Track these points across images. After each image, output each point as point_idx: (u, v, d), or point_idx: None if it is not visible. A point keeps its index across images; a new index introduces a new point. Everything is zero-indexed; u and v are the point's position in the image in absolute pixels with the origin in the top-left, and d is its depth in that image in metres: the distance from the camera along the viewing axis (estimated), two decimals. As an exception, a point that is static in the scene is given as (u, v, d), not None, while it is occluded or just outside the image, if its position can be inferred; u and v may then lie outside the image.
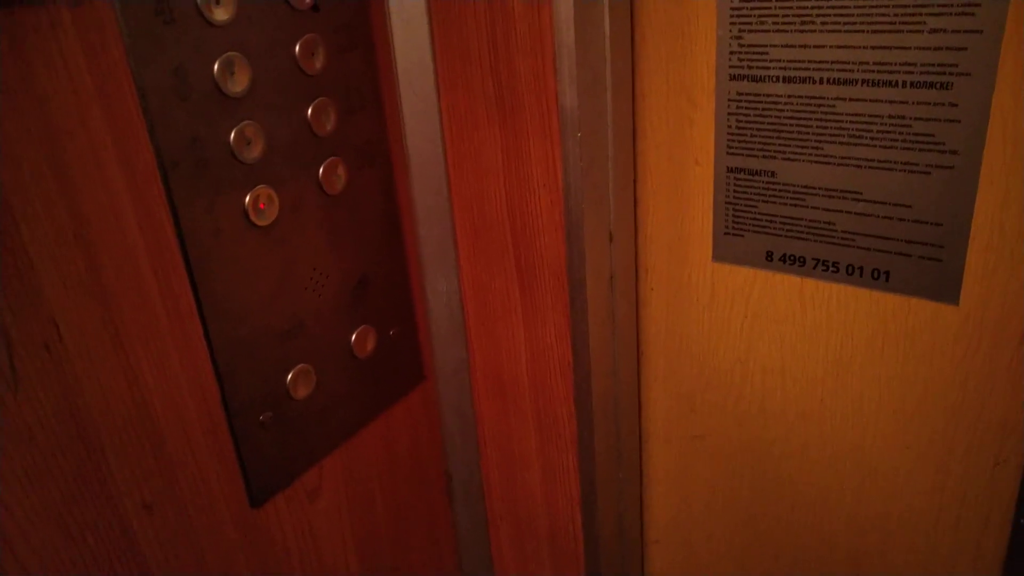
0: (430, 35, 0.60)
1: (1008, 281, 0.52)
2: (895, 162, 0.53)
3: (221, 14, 0.46)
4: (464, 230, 0.67)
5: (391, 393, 0.66)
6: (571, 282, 0.62)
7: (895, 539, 0.63)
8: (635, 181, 0.65)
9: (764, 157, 0.59)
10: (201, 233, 0.48)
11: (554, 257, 0.62)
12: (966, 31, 0.48)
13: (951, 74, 0.49)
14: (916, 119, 0.52)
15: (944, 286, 0.54)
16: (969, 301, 0.54)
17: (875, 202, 0.55)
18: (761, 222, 0.60)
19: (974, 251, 0.52)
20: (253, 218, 0.51)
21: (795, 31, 0.54)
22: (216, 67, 0.47)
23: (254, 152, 0.50)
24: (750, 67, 0.57)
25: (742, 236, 0.62)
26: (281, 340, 0.55)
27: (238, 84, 0.48)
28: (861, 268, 0.57)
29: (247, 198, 0.50)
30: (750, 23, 0.56)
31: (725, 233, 0.63)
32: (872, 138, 0.54)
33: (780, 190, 0.59)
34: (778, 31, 0.55)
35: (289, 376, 0.56)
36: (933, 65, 0.50)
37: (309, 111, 0.54)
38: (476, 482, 0.75)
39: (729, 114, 0.59)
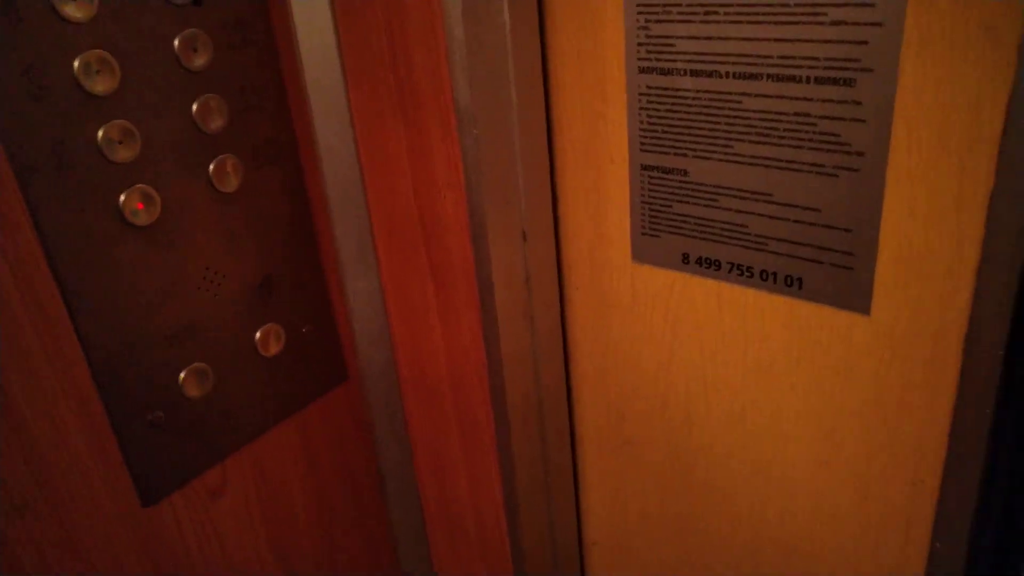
0: (335, 29, 0.58)
1: (920, 295, 0.48)
2: (803, 163, 0.50)
3: (77, 11, 0.45)
4: (381, 228, 0.65)
5: (307, 392, 0.66)
6: (480, 282, 0.60)
7: (820, 561, 0.60)
8: (553, 178, 0.62)
9: (676, 155, 0.56)
10: (69, 237, 0.48)
11: (462, 257, 0.60)
12: (866, 23, 0.44)
13: (854, 70, 0.46)
14: (821, 117, 0.48)
15: (855, 295, 0.51)
16: (881, 312, 0.50)
17: (785, 205, 0.52)
18: (676, 223, 0.57)
19: (884, 260, 0.49)
20: (130, 219, 0.50)
21: (699, 21, 0.51)
22: (76, 66, 0.46)
23: (128, 152, 0.49)
24: (658, 59, 0.54)
25: (659, 237, 0.59)
26: (170, 341, 0.55)
27: (104, 83, 0.47)
28: (775, 274, 0.54)
29: (121, 199, 0.50)
30: (656, 12, 0.53)
31: (643, 233, 0.60)
32: (779, 137, 0.50)
33: (693, 190, 0.56)
34: (683, 21, 0.52)
35: (182, 376, 0.56)
36: (836, 60, 0.46)
37: (194, 108, 0.53)
38: (410, 483, 0.74)
39: (640, 109, 0.56)
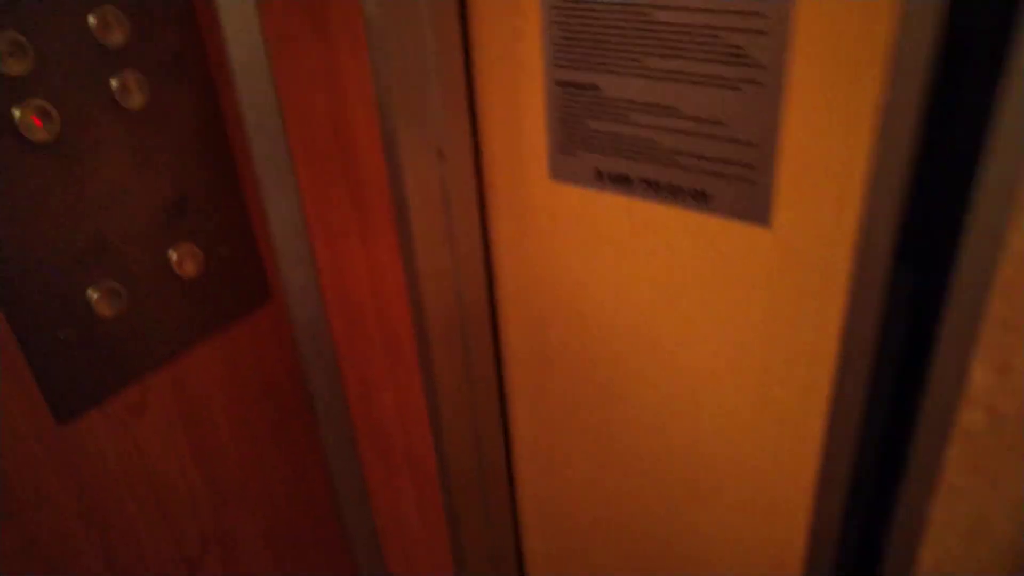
0: (240, -65, 0.57)
1: (816, 205, 0.50)
2: (708, 76, 0.51)
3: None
4: (298, 147, 0.64)
5: (228, 313, 0.66)
6: (396, 200, 0.60)
7: (724, 464, 0.63)
8: (472, 96, 0.62)
9: (588, 70, 0.56)
10: (-39, 151, 0.46)
11: (377, 176, 0.60)
12: (766, -67, 0.45)
13: (754, -21, 0.46)
14: (725, 29, 0.49)
15: (756, 208, 0.52)
16: (780, 224, 0.52)
17: (692, 119, 0.53)
18: (589, 139, 0.58)
19: (783, 173, 0.50)
20: (26, 134, 0.49)
21: (608, -70, 0.51)
22: (-43, -28, 0.44)
23: (20, 65, 0.48)
24: (569, -29, 0.54)
25: (574, 154, 0.59)
26: (79, 259, 0.54)
27: (-12, -9, 0.45)
28: (683, 189, 0.55)
29: (16, 113, 0.48)
30: (567, -77, 0.52)
31: (559, 151, 0.60)
32: (687, 50, 0.51)
33: (605, 105, 0.56)
34: (592, -70, 0.51)
35: (93, 295, 0.55)
36: (738, -30, 0.47)
37: (91, 20, 0.51)
38: (339, 402, 0.75)
39: (554, 23, 0.56)
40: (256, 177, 0.64)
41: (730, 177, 0.52)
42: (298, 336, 0.71)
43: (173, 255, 0.60)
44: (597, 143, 0.57)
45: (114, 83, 0.53)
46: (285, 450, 0.74)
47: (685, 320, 0.59)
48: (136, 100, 0.55)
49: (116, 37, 0.52)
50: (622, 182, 0.58)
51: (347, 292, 0.69)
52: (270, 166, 0.64)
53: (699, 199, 0.55)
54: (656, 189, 0.56)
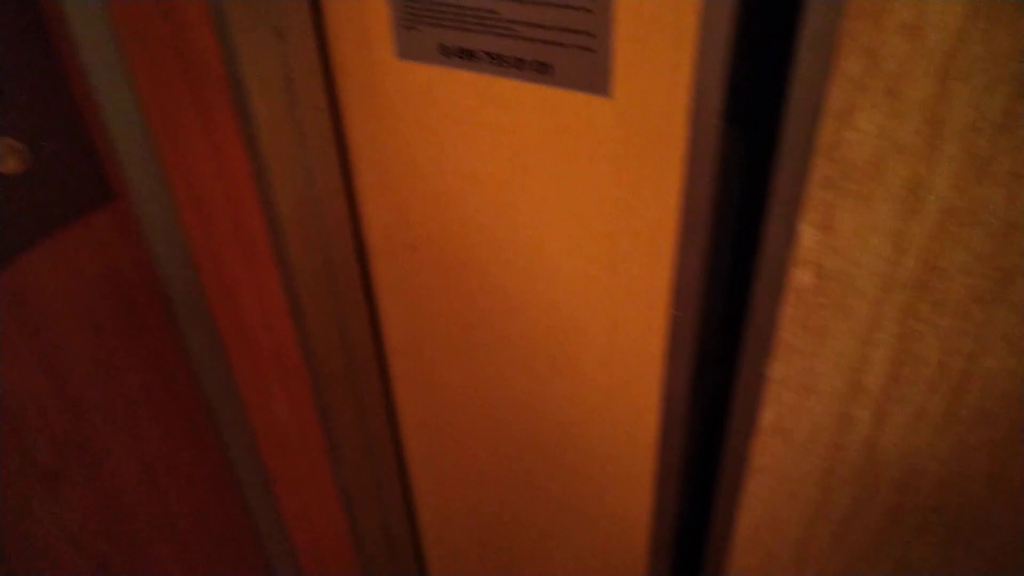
0: None
1: (652, 72, 0.50)
2: (542, -61, 0.49)
3: None
4: (124, 30, 0.60)
5: (64, 212, 0.62)
6: (232, 84, 0.57)
7: (584, 339, 0.65)
8: (308, -31, 0.58)
9: (424, -63, 0.53)
10: None
11: (210, 56, 0.56)
12: None
13: None
14: None
15: (597, 78, 0.52)
16: (620, 94, 0.52)
17: (530, -14, 0.51)
18: (432, 13, 0.56)
19: (620, 39, 0.50)
20: None
21: None
22: None
23: None
24: None
25: (418, 30, 0.57)
26: None
27: None
28: (526, 61, 0.54)
29: None
30: None
31: (403, 27, 0.58)
32: (520, -89, 0.49)
33: (444, -25, 0.54)
34: None
35: None
36: None
37: None
38: (201, 303, 0.73)
39: None
40: (80, 64, 0.60)
41: (570, 47, 0.52)
42: (149, 236, 0.68)
43: (-13, 149, 0.55)
44: (439, 17, 0.55)
45: None
46: (145, 357, 0.72)
47: (537, 195, 0.59)
48: (-83, -29, 0.49)
49: None
50: (466, 57, 0.56)
51: (196, 187, 0.66)
52: (95, 52, 0.60)
53: (542, 71, 0.54)
54: (500, 63, 0.55)
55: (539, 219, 0.60)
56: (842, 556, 0.64)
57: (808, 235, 0.51)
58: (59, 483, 0.67)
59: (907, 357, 0.52)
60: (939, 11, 0.40)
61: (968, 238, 0.46)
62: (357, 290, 0.71)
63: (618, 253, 0.58)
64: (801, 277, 0.53)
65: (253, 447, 0.77)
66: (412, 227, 0.68)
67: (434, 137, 0.61)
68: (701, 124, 0.49)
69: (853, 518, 0.61)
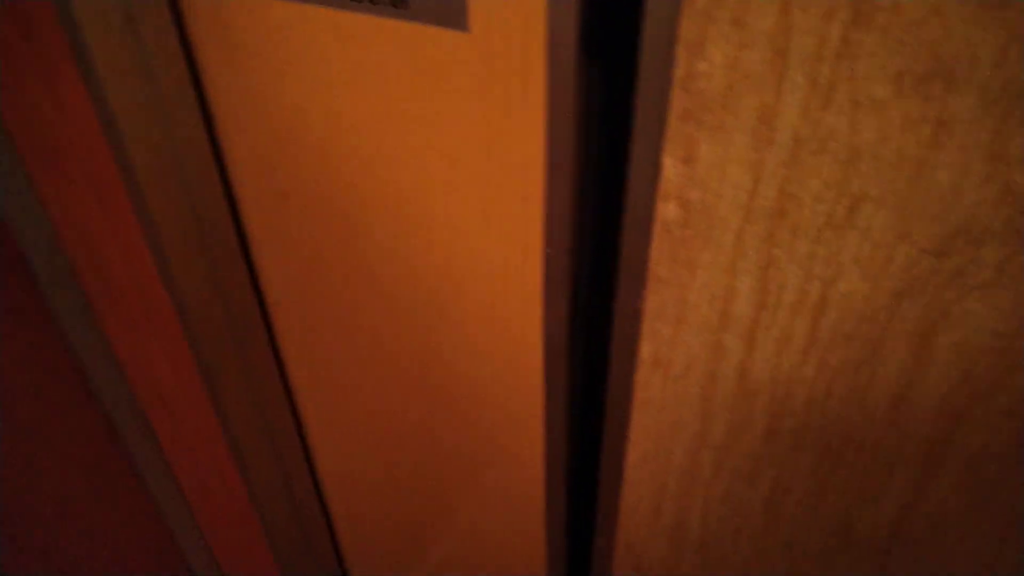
0: None
1: (510, 6, 0.48)
2: None
3: None
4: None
5: None
6: (66, 27, 0.52)
7: (465, 284, 0.64)
8: None
9: None
10: None
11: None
12: None
13: None
14: None
15: (453, 12, 0.50)
16: (479, 29, 0.50)
17: (377, -87, 0.49)
18: (279, -56, 0.53)
19: (472, -31, 0.48)
20: None
21: None
22: None
23: None
24: None
25: (267, -38, 0.54)
26: None
27: None
28: (381, -5, 0.52)
29: None
30: None
31: (251, -40, 0.54)
32: None
33: (288, -98, 0.51)
34: None
35: None
36: None
37: None
38: (63, 264, 0.69)
39: None
40: None
41: (423, -22, 0.50)
42: (-4, 195, 0.64)
43: None
44: (287, -53, 0.52)
45: None
46: (10, 323, 0.68)
47: (403, 136, 0.58)
48: None
49: None
50: (319, -9, 0.53)
51: (39, 134, 0.61)
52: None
53: (397, 4, 0.52)
54: (354, -3, 0.53)
55: (407, 161, 0.58)
56: (724, 480, 0.66)
57: (671, 168, 0.51)
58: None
59: (770, 284, 0.53)
60: (776, -66, 0.39)
61: (819, 166, 0.46)
62: (231, 242, 0.69)
63: (490, 193, 0.57)
64: (667, 210, 0.53)
65: (137, 409, 0.75)
66: (281, 174, 0.65)
67: (295, 78, 0.58)
68: (558, 58, 0.48)
69: (732, 443, 0.63)
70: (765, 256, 0.52)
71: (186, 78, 0.60)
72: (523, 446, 0.73)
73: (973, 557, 0.60)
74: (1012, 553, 0.58)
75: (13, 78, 0.58)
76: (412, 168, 0.59)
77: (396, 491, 0.88)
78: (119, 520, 0.82)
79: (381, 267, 0.67)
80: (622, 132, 0.52)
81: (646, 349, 0.61)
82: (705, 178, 0.50)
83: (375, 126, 0.58)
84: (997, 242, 0.44)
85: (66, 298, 0.69)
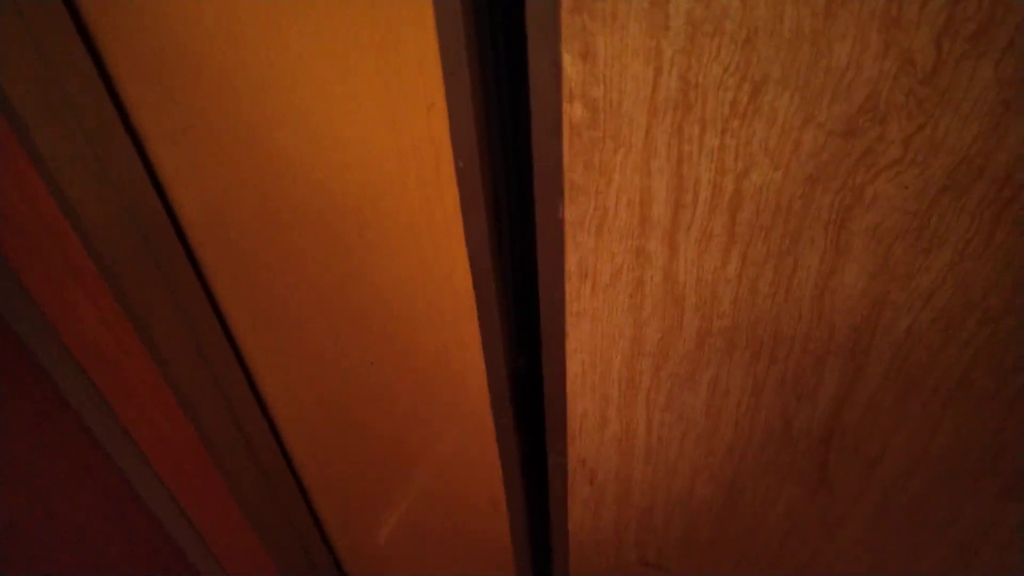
0: None
1: None
2: None
3: None
4: None
5: None
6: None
7: (383, 198, 0.62)
8: None
9: None
10: None
11: None
12: None
13: None
14: None
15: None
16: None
17: None
18: None
19: None
20: None
21: None
22: None
23: None
24: None
25: None
26: None
27: None
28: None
29: None
30: None
31: None
32: None
33: None
34: None
35: None
36: None
37: None
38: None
39: None
40: None
41: None
42: None
43: None
44: None
45: None
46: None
47: (296, 55, 0.55)
48: None
49: None
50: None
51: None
52: None
53: (267, -91, 0.48)
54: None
55: (306, 76, 0.56)
56: (664, 386, 0.66)
57: (571, 65, 0.48)
58: None
59: (684, 182, 0.51)
60: None
61: (717, 49, 0.44)
62: (141, 178, 0.66)
63: (392, 104, 0.54)
64: (573, 112, 0.51)
65: (70, 360, 0.73)
66: (179, 106, 0.62)
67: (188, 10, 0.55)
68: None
69: (667, 348, 0.63)
70: (676, 152, 0.50)
71: (63, 14, 0.57)
72: (465, 366, 0.72)
73: (908, 442, 0.60)
74: (945, 435, 0.58)
75: None
76: (312, 83, 0.56)
77: (348, 422, 0.88)
78: (65, 466, 0.81)
79: (302, 194, 0.65)
80: (518, 31, 0.49)
81: (572, 260, 0.60)
82: (606, 73, 0.48)
83: (268, 40, 0.55)
84: (902, 116, 0.43)
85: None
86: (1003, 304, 0.48)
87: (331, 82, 0.55)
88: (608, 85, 0.48)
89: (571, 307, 0.63)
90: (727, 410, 0.66)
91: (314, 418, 0.89)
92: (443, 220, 0.60)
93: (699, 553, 0.83)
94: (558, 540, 0.91)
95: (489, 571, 1.03)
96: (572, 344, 0.66)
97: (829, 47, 0.42)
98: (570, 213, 0.57)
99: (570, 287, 0.62)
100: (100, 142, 0.62)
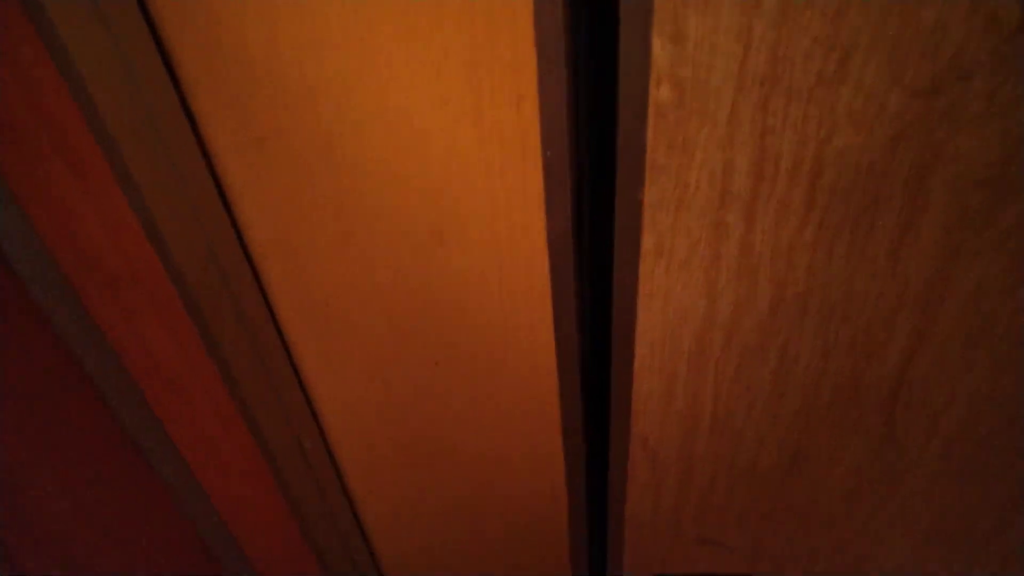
0: None
1: None
2: None
3: None
4: None
5: None
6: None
7: (466, 202, 0.64)
8: None
9: None
10: None
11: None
12: None
13: None
14: None
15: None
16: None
17: None
18: None
19: None
20: None
21: None
22: None
23: None
24: None
25: None
26: None
27: None
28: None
29: None
30: None
31: None
32: None
33: None
34: None
35: None
36: None
37: None
38: (30, 234, 0.65)
39: None
40: None
41: None
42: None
43: None
44: None
45: None
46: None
47: (386, 52, 0.56)
48: None
49: None
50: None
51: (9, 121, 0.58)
52: None
53: (365, -86, 0.50)
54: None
55: (392, 78, 0.57)
56: (733, 358, 0.69)
57: (660, 47, 0.51)
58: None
59: (767, 154, 0.54)
60: None
61: (807, 22, 0.47)
62: (211, 191, 0.67)
63: (483, 100, 0.56)
64: (660, 94, 0.53)
65: (133, 386, 0.73)
66: (255, 116, 0.63)
67: (259, 13, 0.56)
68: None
69: (738, 320, 0.66)
70: (760, 125, 0.53)
71: (138, 18, 0.57)
72: (537, 349, 0.74)
73: (973, 390, 0.64)
74: (1008, 380, 0.62)
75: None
76: (398, 84, 0.58)
77: (407, 421, 0.88)
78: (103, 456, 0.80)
79: (374, 198, 0.66)
80: (610, 16, 0.52)
81: (648, 240, 0.62)
82: (695, 53, 0.51)
83: (342, 47, 0.57)
84: (986, 72, 0.46)
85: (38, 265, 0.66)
86: (1076, 244, 0.52)
87: (419, 80, 0.57)
88: (697, 64, 0.51)
89: (644, 287, 0.66)
90: (795, 376, 0.68)
91: (368, 420, 0.90)
92: (523, 210, 0.62)
93: (757, 524, 0.86)
94: (614, 528, 0.93)
95: (544, 570, 1.04)
96: (642, 324, 0.68)
97: (917, 11, 0.45)
98: (650, 195, 0.59)
99: (644, 268, 0.64)
100: (175, 155, 0.62)
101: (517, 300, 0.69)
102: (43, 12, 0.51)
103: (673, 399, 0.75)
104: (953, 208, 0.53)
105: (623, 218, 0.61)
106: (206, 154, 0.66)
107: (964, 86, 0.47)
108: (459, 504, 0.98)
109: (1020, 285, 0.56)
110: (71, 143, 0.59)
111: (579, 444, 0.81)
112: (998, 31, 0.44)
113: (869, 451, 0.72)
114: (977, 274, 0.56)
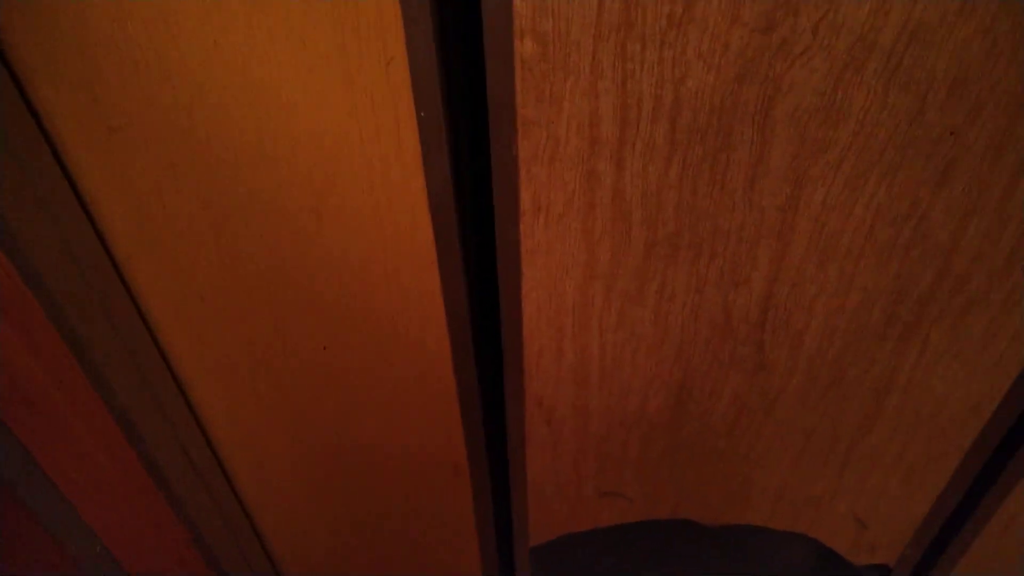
0: None
1: None
2: None
3: None
4: None
5: None
6: None
7: (339, 178, 0.63)
8: None
9: None
10: None
11: None
12: None
13: None
14: None
15: None
16: None
17: None
18: None
19: None
20: None
21: None
22: None
23: None
24: None
25: None
26: None
27: None
28: None
29: None
30: None
31: None
32: None
33: None
34: None
35: None
36: None
37: None
38: None
39: None
40: None
41: None
42: None
43: None
44: None
45: None
46: None
47: (244, 21, 0.55)
48: None
49: None
50: None
51: None
52: None
53: None
54: None
55: (256, 53, 0.56)
56: (615, 305, 0.72)
57: (521, 1, 0.53)
58: None
59: (629, 99, 0.58)
60: None
61: (654, -32, 0.51)
62: (65, 190, 0.63)
63: (351, 64, 0.56)
64: (524, 47, 0.56)
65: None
66: (104, 106, 0.60)
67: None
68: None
69: (617, 266, 0.69)
70: (620, 71, 0.56)
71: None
72: (426, 319, 0.74)
73: (827, 306, 0.70)
74: (856, 293, 0.69)
75: None
76: (259, 52, 0.57)
77: (294, 404, 0.86)
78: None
79: (243, 176, 0.64)
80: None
81: (526, 196, 0.64)
82: (554, 4, 0.53)
83: (208, 17, 0.55)
84: (810, 6, 0.51)
85: None
86: (898, 157, 0.58)
87: (285, 53, 0.56)
88: (556, 17, 0.54)
89: (526, 244, 0.68)
90: (673, 314, 0.73)
91: (259, 426, 0.87)
92: (401, 177, 0.63)
93: (652, 470, 0.90)
94: (518, 495, 0.95)
95: (450, 554, 1.04)
96: (527, 283, 0.71)
97: (749, -47, 0.50)
98: (524, 150, 0.61)
99: (524, 224, 0.66)
100: (23, 153, 0.58)
101: (402, 271, 0.69)
102: None
103: (563, 355, 0.77)
104: (795, 137, 0.58)
105: (500, 175, 0.63)
106: (55, 151, 0.63)
107: (793, 20, 0.52)
108: (360, 489, 0.96)
109: (856, 203, 0.62)
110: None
111: (477, 413, 0.82)
112: (818, -34, 0.50)
113: (745, 380, 0.78)
114: (820, 197, 0.62)
